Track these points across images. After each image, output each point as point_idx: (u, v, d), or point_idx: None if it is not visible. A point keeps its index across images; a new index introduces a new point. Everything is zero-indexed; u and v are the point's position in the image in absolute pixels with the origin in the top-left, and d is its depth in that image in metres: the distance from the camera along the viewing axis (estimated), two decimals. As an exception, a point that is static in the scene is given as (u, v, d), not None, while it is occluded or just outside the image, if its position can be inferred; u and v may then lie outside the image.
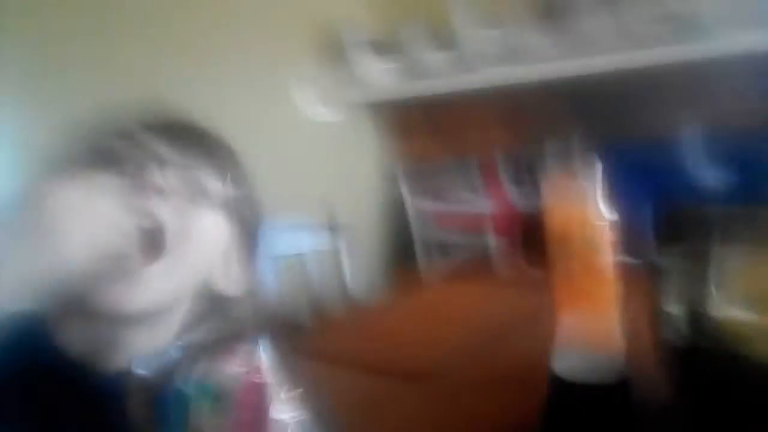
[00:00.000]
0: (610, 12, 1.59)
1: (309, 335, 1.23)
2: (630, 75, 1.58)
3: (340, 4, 2.00)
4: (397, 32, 1.94)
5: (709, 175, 1.56)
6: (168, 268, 0.44)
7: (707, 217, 0.84)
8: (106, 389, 0.44)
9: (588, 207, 0.87)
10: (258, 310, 0.55)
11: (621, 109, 1.69)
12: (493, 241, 1.96)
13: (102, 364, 0.45)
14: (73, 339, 0.45)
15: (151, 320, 0.46)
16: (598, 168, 0.77)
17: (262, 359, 0.52)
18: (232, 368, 0.48)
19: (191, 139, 0.49)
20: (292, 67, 1.86)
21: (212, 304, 0.50)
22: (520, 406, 0.77)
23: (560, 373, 0.65)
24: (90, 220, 0.40)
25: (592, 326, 0.87)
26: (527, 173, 1.91)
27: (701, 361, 0.64)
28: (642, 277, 0.79)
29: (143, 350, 0.46)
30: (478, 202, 2.03)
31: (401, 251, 2.16)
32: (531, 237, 1.86)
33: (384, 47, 1.97)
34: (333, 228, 1.83)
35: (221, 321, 0.51)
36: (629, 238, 0.89)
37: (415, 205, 2.13)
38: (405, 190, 2.17)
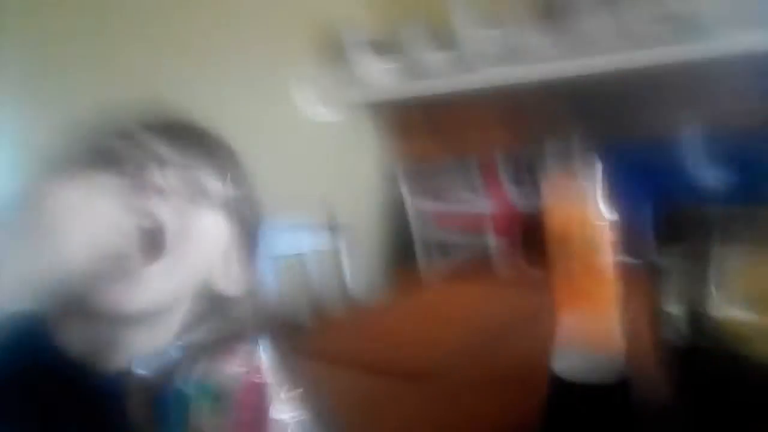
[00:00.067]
0: (610, 12, 1.59)
1: (309, 335, 1.23)
2: (630, 75, 1.58)
3: (340, 4, 2.00)
4: (397, 32, 1.94)
5: (709, 175, 1.55)
6: (168, 268, 0.44)
7: (707, 217, 0.84)
8: (106, 389, 0.44)
9: (588, 207, 0.86)
10: (258, 310, 0.55)
11: (621, 109, 1.69)
12: (493, 241, 1.96)
13: (102, 364, 0.45)
14: (73, 339, 0.45)
15: (151, 320, 0.46)
16: (598, 168, 0.77)
17: (262, 359, 0.52)
18: (232, 368, 0.48)
19: (191, 139, 0.49)
20: (292, 67, 1.86)
21: (212, 304, 0.50)
22: (520, 405, 0.77)
23: (560, 373, 0.65)
24: (90, 220, 0.40)
25: (592, 326, 0.86)
26: (527, 173, 1.91)
27: (701, 360, 0.64)
28: (642, 277, 0.79)
29: (143, 350, 0.46)
30: (478, 202, 2.03)
31: (401, 251, 2.16)
32: (531, 237, 1.86)
33: (384, 47, 1.97)
34: (333, 228, 1.83)
35: (221, 321, 0.51)
36: (629, 238, 0.89)
37: (415, 205, 2.13)
38: (405, 190, 2.17)
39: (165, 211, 0.44)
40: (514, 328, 1.14)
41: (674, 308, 0.72)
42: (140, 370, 0.44)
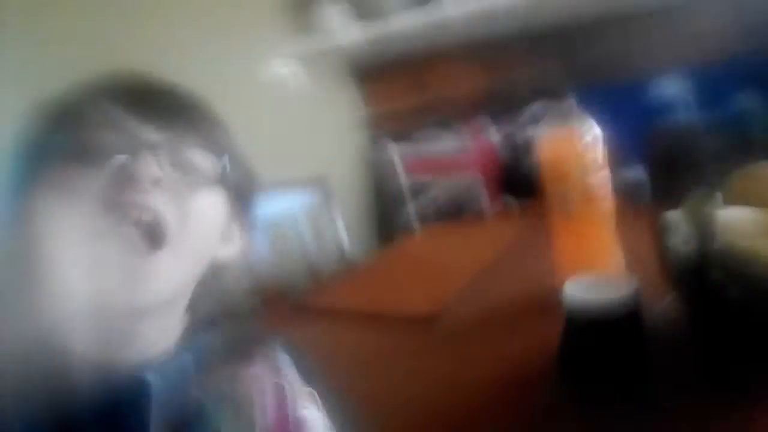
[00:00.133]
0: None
1: (306, 296, 1.22)
2: (608, 15, 1.57)
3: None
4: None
5: (688, 111, 1.56)
6: (172, 256, 0.42)
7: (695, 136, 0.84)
8: (122, 395, 0.42)
9: (576, 134, 0.85)
10: (255, 277, 0.53)
11: (600, 48, 1.68)
12: (475, 180, 1.95)
13: (117, 367, 0.42)
14: (87, 341, 0.42)
15: (163, 311, 0.45)
16: (580, 103, 0.75)
17: (280, 359, 0.51)
18: (251, 371, 0.48)
19: (173, 110, 0.46)
20: (258, 24, 1.79)
21: (213, 278, 0.48)
22: (530, 339, 0.77)
23: (571, 304, 0.64)
24: (83, 236, 0.39)
25: (594, 251, 0.86)
26: (506, 112, 1.89)
27: (710, 265, 0.63)
28: (639, 195, 0.78)
29: (158, 346, 0.45)
30: (457, 144, 2.01)
31: (383, 202, 2.16)
32: (513, 173, 1.86)
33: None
34: (316, 186, 1.80)
35: (222, 294, 0.49)
36: (619, 159, 0.88)
37: (392, 151, 2.10)
38: (382, 138, 2.13)
39: (162, 201, 0.42)
40: (511, 263, 1.14)
41: (677, 215, 0.71)
42: (155, 379, 0.42)
